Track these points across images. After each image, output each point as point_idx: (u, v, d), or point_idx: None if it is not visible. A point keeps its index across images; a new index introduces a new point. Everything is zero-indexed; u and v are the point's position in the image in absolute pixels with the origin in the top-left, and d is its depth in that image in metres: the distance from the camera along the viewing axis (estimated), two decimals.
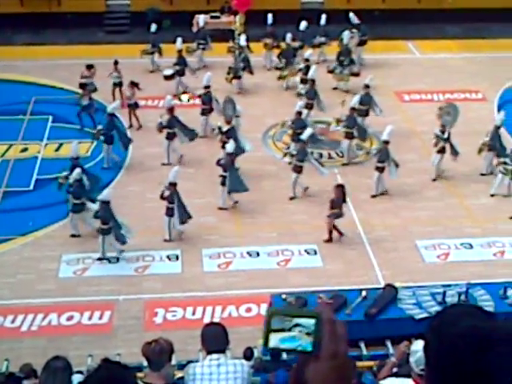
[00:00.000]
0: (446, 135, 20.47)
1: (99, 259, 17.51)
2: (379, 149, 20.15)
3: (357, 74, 25.36)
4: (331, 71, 25.65)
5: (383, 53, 28.14)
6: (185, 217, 18.04)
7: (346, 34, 26.22)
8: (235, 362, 6.58)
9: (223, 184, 19.05)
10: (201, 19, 27.48)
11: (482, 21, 30.54)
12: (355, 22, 27.16)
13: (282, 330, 2.13)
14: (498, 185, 20.12)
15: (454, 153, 20.58)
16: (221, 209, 19.35)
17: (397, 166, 19.82)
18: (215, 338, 6.48)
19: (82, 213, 18.11)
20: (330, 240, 18.30)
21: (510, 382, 2.20)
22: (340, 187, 18.14)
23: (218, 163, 19.10)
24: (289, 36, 25.99)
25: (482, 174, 21.08)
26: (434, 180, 20.87)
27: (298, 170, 19.65)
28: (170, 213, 17.93)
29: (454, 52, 29.08)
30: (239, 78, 25.13)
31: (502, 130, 21.46)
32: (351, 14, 27.26)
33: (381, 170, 19.82)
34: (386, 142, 19.80)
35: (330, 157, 21.94)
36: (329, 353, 2.09)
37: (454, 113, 21.29)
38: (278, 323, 2.13)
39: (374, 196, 19.99)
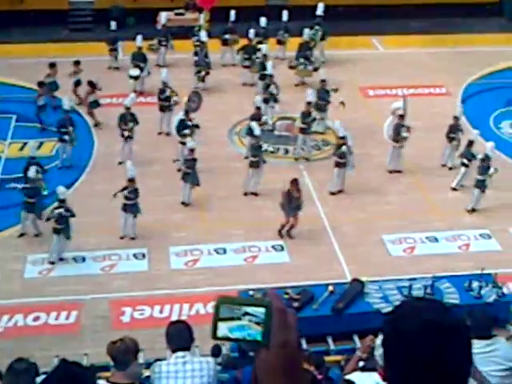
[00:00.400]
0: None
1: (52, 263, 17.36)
2: (337, 145, 20.20)
3: (316, 69, 25.42)
4: (293, 67, 25.67)
5: (348, 49, 28.24)
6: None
7: (306, 32, 26.24)
8: (201, 359, 6.57)
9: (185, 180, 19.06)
10: (163, 16, 27.33)
11: (445, 16, 30.75)
12: (319, 14, 27.22)
13: (231, 319, 2.07)
14: (461, 178, 20.29)
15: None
16: (184, 204, 19.31)
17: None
18: (180, 336, 6.47)
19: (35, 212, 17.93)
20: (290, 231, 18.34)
21: (466, 374, 2.22)
22: (295, 181, 18.17)
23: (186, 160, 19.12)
24: (252, 32, 25.98)
25: (447, 167, 21.37)
26: (399, 172, 21.09)
27: (255, 165, 19.65)
28: (128, 209, 17.88)
29: (418, 47, 29.24)
30: (208, 73, 25.08)
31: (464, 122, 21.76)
32: (320, 5, 27.30)
33: (340, 165, 19.87)
34: (342, 138, 19.87)
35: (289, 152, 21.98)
36: (278, 342, 2.04)
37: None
38: (226, 312, 2.07)
39: (332, 193, 20.03)
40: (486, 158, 19.26)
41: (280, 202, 18.14)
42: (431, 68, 27.46)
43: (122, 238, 18.11)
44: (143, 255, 17.73)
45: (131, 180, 17.79)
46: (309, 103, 21.45)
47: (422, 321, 2.20)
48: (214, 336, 2.07)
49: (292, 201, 18.03)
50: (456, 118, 21.20)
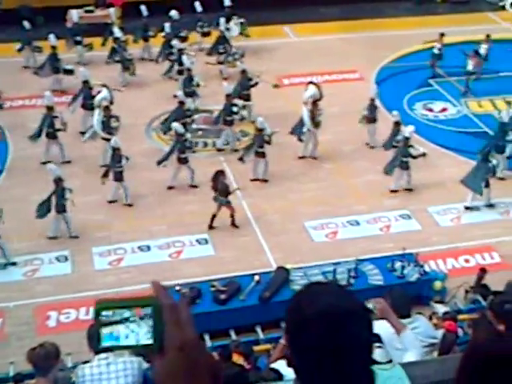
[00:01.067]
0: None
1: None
2: (255, 135, 20.28)
3: (242, 55, 25.46)
4: (221, 62, 25.69)
5: (261, 38, 28.32)
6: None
7: (222, 21, 26.24)
8: (125, 359, 6.51)
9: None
10: (74, 14, 26.92)
11: (355, 2, 31.15)
12: (227, 5, 27.24)
13: (116, 324, 1.83)
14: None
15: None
16: (111, 202, 19.18)
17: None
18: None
19: None
20: (234, 223, 18.40)
21: (367, 356, 2.25)
22: (220, 172, 18.20)
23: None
24: (167, 25, 25.84)
25: (370, 147, 21.71)
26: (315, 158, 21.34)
27: (184, 161, 19.61)
28: (61, 209, 17.64)
29: (330, 33, 29.51)
30: (128, 69, 24.82)
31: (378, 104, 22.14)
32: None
33: (261, 155, 19.96)
34: (261, 130, 19.96)
35: (214, 145, 21.96)
36: (174, 344, 1.84)
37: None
38: (109, 317, 1.83)
39: (256, 180, 20.15)
40: (406, 140, 19.60)
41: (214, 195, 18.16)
42: (344, 54, 27.78)
43: (51, 238, 17.82)
44: (66, 258, 17.46)
45: (58, 180, 17.56)
46: (228, 95, 21.45)
47: (322, 305, 2.22)
48: (98, 347, 1.84)
49: (221, 190, 18.06)
50: (372, 100, 21.59)
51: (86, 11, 28.77)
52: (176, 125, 19.96)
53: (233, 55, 25.69)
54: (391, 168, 19.84)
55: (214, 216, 18.32)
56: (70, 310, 15.94)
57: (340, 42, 28.90)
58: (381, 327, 5.45)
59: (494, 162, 19.43)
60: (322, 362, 2.19)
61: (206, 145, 22.04)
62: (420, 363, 3.52)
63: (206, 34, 27.26)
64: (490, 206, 19.49)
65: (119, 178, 18.96)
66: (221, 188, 18.10)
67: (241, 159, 20.13)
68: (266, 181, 20.21)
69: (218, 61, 25.81)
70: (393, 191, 19.93)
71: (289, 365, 2.31)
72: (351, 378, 2.18)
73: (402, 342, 5.16)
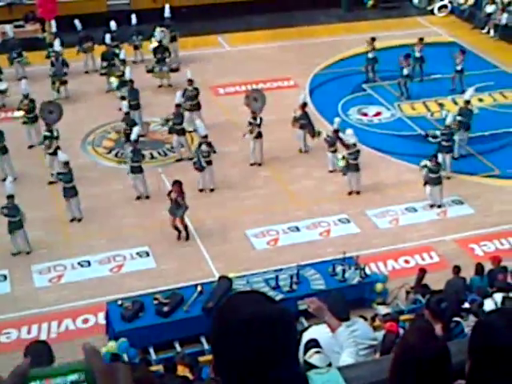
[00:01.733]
0: (258, 121, 21.01)
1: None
2: (199, 143, 20.30)
3: (176, 70, 25.45)
4: (150, 70, 25.57)
5: (195, 48, 28.37)
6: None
7: (157, 31, 26.18)
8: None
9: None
10: (8, 29, 26.58)
11: (286, 10, 31.41)
12: (167, 16, 27.25)
13: None
14: (331, 161, 20.85)
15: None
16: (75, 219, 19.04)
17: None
18: (38, 357, 6.30)
19: None
20: (187, 235, 18.39)
21: (293, 363, 2.27)
22: (178, 183, 18.16)
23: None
24: (108, 37, 25.70)
25: (304, 151, 21.91)
26: (260, 165, 21.37)
27: (137, 170, 19.48)
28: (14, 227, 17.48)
29: (263, 42, 29.73)
30: (65, 82, 24.59)
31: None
32: (167, 6, 27.35)
33: (209, 163, 19.97)
34: (205, 137, 20.01)
35: (152, 157, 21.86)
36: None
37: (262, 98, 21.91)
38: None
39: (211, 190, 20.24)
40: (353, 145, 19.84)
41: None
42: (278, 62, 27.97)
43: (14, 254, 17.73)
44: (5, 277, 17.18)
45: (9, 197, 17.39)
46: (178, 105, 21.41)
47: (245, 313, 2.25)
48: None
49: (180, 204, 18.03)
50: (304, 105, 21.77)
51: (16, 26, 28.37)
52: (135, 129, 19.93)
53: (166, 64, 25.64)
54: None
55: (185, 227, 18.26)
56: (11, 329, 15.68)
57: (273, 50, 29.09)
58: (318, 332, 5.51)
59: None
60: (248, 371, 2.21)
61: (143, 157, 21.87)
62: (356, 365, 3.58)
63: (136, 47, 27.14)
64: (439, 206, 19.82)
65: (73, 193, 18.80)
66: (178, 199, 18.03)
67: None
68: (212, 190, 20.22)
69: (147, 70, 25.67)
70: (350, 193, 20.17)
71: (215, 374, 2.33)
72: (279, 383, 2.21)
73: (337, 339, 5.21)
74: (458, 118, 21.53)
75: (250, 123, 21.05)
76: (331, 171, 20.94)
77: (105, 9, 30.47)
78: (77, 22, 26.49)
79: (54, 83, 24.46)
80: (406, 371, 2.25)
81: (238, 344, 2.21)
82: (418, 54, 26.31)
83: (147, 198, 19.78)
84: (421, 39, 26.72)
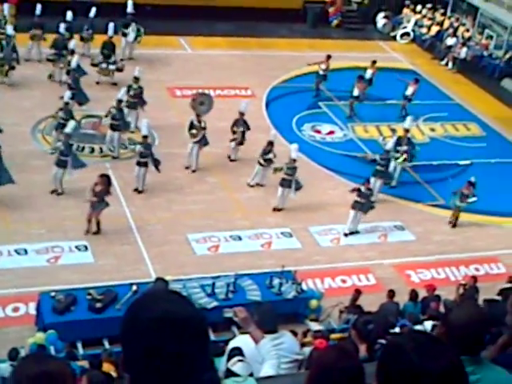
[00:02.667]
0: (203, 124, 21.00)
1: None
2: (140, 143, 20.17)
3: (120, 70, 25.22)
4: (95, 64, 25.32)
5: (156, 48, 28.24)
6: None
7: (110, 27, 25.96)
8: None
9: None
10: None
11: (251, 19, 31.49)
12: (130, 12, 27.06)
13: None
14: (256, 176, 20.87)
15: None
16: None
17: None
18: None
19: None
20: (98, 231, 18.16)
21: (203, 365, 2.28)
22: (105, 177, 18.00)
23: None
24: (62, 26, 25.41)
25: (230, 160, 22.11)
26: (194, 171, 21.34)
27: (62, 164, 19.27)
28: None
29: (224, 49, 29.78)
30: (13, 68, 24.22)
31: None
32: (130, 2, 27.17)
33: (143, 164, 19.87)
34: (145, 137, 19.91)
35: (101, 151, 21.69)
36: None
37: (208, 102, 21.92)
38: None
39: (136, 190, 19.98)
40: (293, 161, 19.91)
41: (88, 198, 17.88)
42: (237, 70, 28.04)
43: None
44: None
45: None
46: (120, 101, 21.26)
47: (157, 311, 2.26)
48: None
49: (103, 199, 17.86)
50: (241, 114, 21.80)
51: None
52: (71, 122, 19.72)
53: (115, 63, 25.44)
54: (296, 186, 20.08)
55: (98, 223, 18.11)
56: None
57: (234, 58, 29.14)
58: (245, 341, 5.52)
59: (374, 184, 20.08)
60: (156, 369, 2.22)
61: (92, 150, 21.73)
62: (273, 377, 3.60)
63: (83, 39, 26.80)
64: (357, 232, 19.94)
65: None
66: (102, 194, 17.86)
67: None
68: (141, 191, 20.08)
69: (91, 63, 25.41)
70: (276, 209, 20.17)
71: (123, 370, 2.32)
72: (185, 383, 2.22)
73: (259, 351, 5.23)
74: (400, 147, 21.77)
75: (192, 126, 20.96)
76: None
77: None
78: (38, 6, 26.12)
79: (1, 66, 24.07)
80: None
81: (146, 341, 2.22)
82: (368, 76, 26.53)
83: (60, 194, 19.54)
84: (374, 62, 26.98)
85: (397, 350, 2.33)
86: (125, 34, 26.95)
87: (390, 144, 21.43)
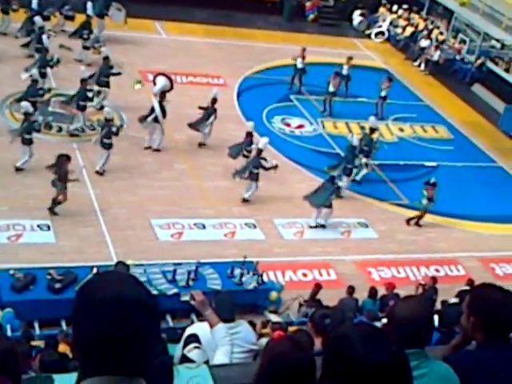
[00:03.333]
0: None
1: None
2: (102, 125, 20.02)
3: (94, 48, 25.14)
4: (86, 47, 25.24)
5: (131, 30, 28.05)
6: None
7: (89, 6, 25.77)
8: None
9: None
10: None
11: (228, 8, 31.43)
12: None
13: None
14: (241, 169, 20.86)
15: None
16: None
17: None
18: None
19: None
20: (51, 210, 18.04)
21: (152, 348, 2.28)
22: (64, 157, 17.82)
23: None
24: (34, 2, 25.15)
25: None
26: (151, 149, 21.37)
27: (28, 142, 19.08)
28: None
29: (199, 36, 29.69)
30: None
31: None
32: None
33: (107, 146, 19.76)
34: (108, 120, 19.80)
35: (61, 130, 21.50)
36: None
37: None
38: None
39: (97, 172, 19.81)
40: (259, 151, 19.92)
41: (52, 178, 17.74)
42: (210, 58, 27.98)
43: None
44: None
45: None
46: (83, 80, 21.10)
47: (108, 292, 2.26)
48: None
49: (61, 176, 17.66)
50: (214, 100, 21.66)
51: None
52: (26, 104, 19.44)
53: (97, 42, 25.33)
54: (239, 175, 20.09)
55: (54, 200, 17.91)
56: None
57: (209, 46, 29.07)
58: (201, 329, 5.54)
59: (340, 183, 20.08)
60: (106, 350, 2.21)
61: (60, 129, 21.55)
62: (227, 365, 3.62)
63: (69, 18, 26.66)
64: (323, 226, 19.98)
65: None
66: (61, 173, 17.71)
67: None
68: (101, 174, 19.93)
69: (83, 45, 25.30)
70: (245, 200, 20.17)
71: (72, 351, 2.33)
72: (135, 366, 2.22)
73: (213, 335, 5.26)
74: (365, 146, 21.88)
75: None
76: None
77: None
78: None
79: None
80: (269, 377, 2.30)
81: (97, 322, 2.21)
82: (345, 72, 26.65)
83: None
84: (350, 58, 27.06)
85: (341, 340, 2.36)
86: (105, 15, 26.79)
87: (355, 141, 21.51)
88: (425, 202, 20.72)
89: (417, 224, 21.07)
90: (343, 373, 2.29)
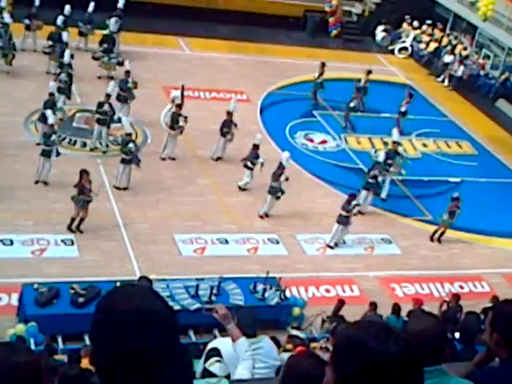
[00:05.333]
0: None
1: None
2: (126, 141, 20.07)
3: (121, 64, 25.23)
4: (97, 58, 25.33)
5: (154, 46, 28.25)
6: None
7: (112, 22, 25.95)
8: None
9: None
10: None
11: (251, 24, 31.54)
12: (119, 7, 27.01)
13: None
14: (246, 180, 20.89)
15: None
16: None
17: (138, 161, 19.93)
18: None
19: None
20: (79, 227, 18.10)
21: (173, 361, 2.28)
22: (85, 173, 17.90)
23: None
24: (60, 19, 25.37)
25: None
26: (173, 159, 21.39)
27: (46, 154, 19.18)
28: None
29: (223, 52, 29.81)
30: (14, 56, 24.17)
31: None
32: None
33: (126, 162, 19.83)
34: (129, 135, 19.88)
35: (85, 146, 21.63)
36: None
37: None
38: None
39: (116, 187, 19.87)
40: (280, 166, 19.91)
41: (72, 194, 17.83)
42: (234, 74, 28.07)
43: None
44: None
45: None
46: (108, 95, 21.22)
47: (129, 305, 2.27)
48: None
49: (84, 192, 17.75)
50: (229, 114, 21.73)
51: None
52: (48, 112, 19.58)
53: (116, 57, 25.46)
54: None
55: (73, 219, 17.97)
56: None
57: (232, 62, 29.16)
58: (223, 343, 5.53)
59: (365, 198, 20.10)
60: (125, 363, 2.21)
61: (84, 145, 21.68)
62: (247, 381, 3.60)
63: (82, 34, 26.83)
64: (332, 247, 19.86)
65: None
66: (79, 187, 17.78)
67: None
68: (126, 189, 20.02)
69: (92, 57, 25.41)
70: (264, 215, 20.15)
71: (91, 364, 2.33)
72: (154, 380, 2.22)
73: (235, 349, 5.24)
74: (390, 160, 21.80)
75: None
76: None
77: None
78: None
79: (5, 56, 24.01)
80: None
81: (115, 335, 2.22)
82: (362, 85, 26.55)
83: (45, 183, 19.41)
84: (369, 71, 26.91)
85: (350, 340, 2.32)
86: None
87: (380, 156, 21.47)
88: (445, 216, 20.61)
89: (438, 240, 20.94)
90: (358, 373, 2.24)
